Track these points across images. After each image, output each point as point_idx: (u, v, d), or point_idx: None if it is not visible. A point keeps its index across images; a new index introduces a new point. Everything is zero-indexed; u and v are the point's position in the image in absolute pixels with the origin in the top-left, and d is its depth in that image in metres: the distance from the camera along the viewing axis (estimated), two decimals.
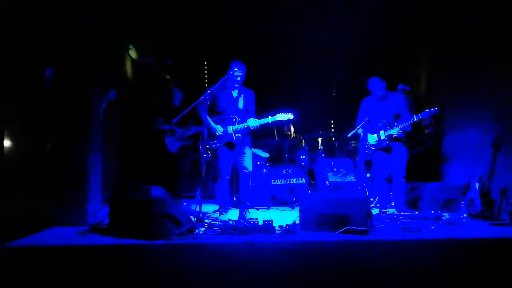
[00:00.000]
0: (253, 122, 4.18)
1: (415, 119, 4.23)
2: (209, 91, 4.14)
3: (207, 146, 4.37)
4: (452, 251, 3.03)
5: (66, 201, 3.84)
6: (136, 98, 5.74)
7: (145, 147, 5.45)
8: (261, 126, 4.22)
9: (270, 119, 4.13)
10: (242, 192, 4.37)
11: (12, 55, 3.55)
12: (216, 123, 4.28)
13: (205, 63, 7.11)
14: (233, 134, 4.24)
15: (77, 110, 3.96)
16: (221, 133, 4.24)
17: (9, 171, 3.64)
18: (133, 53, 5.91)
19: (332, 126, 7.22)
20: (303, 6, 5.96)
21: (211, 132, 4.31)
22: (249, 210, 4.35)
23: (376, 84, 4.51)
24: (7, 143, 3.56)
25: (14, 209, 3.54)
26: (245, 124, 4.20)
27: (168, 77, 6.45)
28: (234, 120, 4.26)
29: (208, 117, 4.32)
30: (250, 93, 4.41)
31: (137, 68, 5.99)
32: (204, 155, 4.35)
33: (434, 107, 4.20)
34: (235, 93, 4.36)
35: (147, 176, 4.94)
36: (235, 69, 4.19)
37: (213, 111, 4.36)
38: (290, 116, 4.11)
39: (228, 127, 4.25)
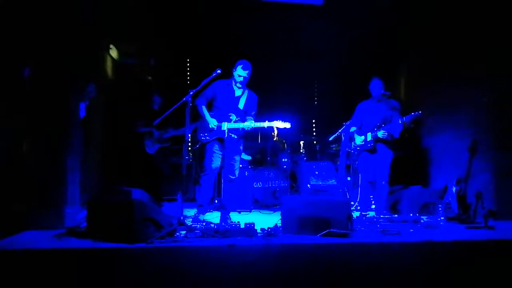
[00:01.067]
0: (248, 124, 4.07)
1: (400, 122, 4.31)
2: (191, 93, 4.05)
3: (196, 139, 4.25)
4: (430, 254, 3.09)
5: (42, 203, 3.73)
6: (116, 99, 5.65)
7: (125, 148, 5.38)
8: (256, 128, 4.11)
9: (267, 123, 4.03)
10: (224, 197, 4.29)
11: None
12: (211, 117, 4.17)
13: (188, 60, 7.04)
14: (226, 132, 4.12)
15: (54, 110, 3.86)
16: (214, 127, 4.12)
17: None
18: (114, 53, 5.82)
19: (314, 129, 7.28)
20: (284, 10, 6.00)
21: (204, 125, 4.19)
22: (230, 215, 4.28)
23: (377, 85, 4.54)
24: None
25: None
26: (240, 124, 4.10)
27: (150, 78, 6.39)
28: (230, 117, 4.15)
29: (205, 109, 4.21)
30: (253, 96, 4.29)
31: (118, 69, 5.90)
32: (186, 157, 4.28)
33: (416, 111, 4.28)
34: (238, 92, 4.23)
35: (128, 179, 4.86)
36: (240, 66, 4.11)
37: (211, 106, 4.25)
38: (287, 125, 4.03)
39: (223, 123, 4.13)
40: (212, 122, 4.13)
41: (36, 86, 3.84)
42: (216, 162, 4.19)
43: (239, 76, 4.13)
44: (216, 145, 4.18)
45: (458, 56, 4.83)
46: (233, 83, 4.21)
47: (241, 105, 4.23)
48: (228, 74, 4.23)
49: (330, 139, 4.84)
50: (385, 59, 6.28)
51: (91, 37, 4.53)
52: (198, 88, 4.05)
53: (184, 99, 3.95)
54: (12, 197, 3.67)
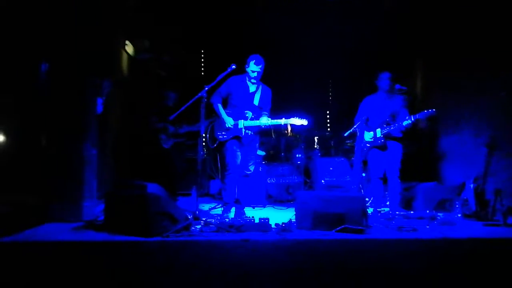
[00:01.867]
0: (265, 121, 4.07)
1: (412, 120, 4.23)
2: (206, 89, 4.04)
3: (214, 137, 4.26)
4: (447, 251, 3.06)
5: (61, 197, 3.82)
6: (132, 94, 5.72)
7: (140, 143, 5.44)
8: (273, 126, 4.10)
9: (284, 121, 4.02)
10: (240, 192, 4.29)
11: (5, 50, 3.52)
12: (228, 115, 4.18)
13: (202, 51, 7.04)
14: (243, 130, 4.13)
15: (71, 105, 3.93)
16: (231, 126, 4.14)
17: (3, 166, 3.61)
18: (129, 49, 5.88)
19: (328, 125, 7.24)
20: (300, 7, 5.96)
21: (221, 123, 4.21)
22: (245, 210, 4.31)
23: (385, 78, 4.50)
24: (1, 138, 3.52)
25: (8, 204, 3.52)
26: (257, 122, 4.10)
27: (164, 73, 6.43)
28: (247, 115, 4.15)
29: (221, 107, 4.23)
30: (267, 90, 4.28)
31: (133, 64, 5.96)
32: (201, 152, 4.30)
33: (430, 108, 4.21)
34: (252, 88, 4.22)
35: (143, 173, 4.92)
36: (252, 62, 4.09)
37: (226, 103, 4.26)
38: (304, 122, 4.02)
39: (239, 121, 4.14)
40: (229, 122, 4.14)
41: (54, 82, 3.90)
42: (238, 159, 4.20)
43: (253, 71, 4.12)
44: (235, 143, 4.19)
45: (475, 50, 4.73)
46: (247, 79, 4.20)
47: (256, 101, 4.21)
48: (242, 69, 4.22)
49: (345, 134, 4.79)
50: (401, 55, 6.19)
51: (106, 34, 4.58)
52: (213, 83, 4.05)
53: (199, 94, 3.96)
54: (31, 191, 3.76)
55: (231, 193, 4.25)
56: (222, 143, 4.26)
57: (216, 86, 4.15)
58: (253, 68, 4.11)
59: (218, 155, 4.34)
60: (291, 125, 4.10)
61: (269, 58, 4.26)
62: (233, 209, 4.32)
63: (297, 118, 4.02)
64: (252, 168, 4.30)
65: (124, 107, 5.57)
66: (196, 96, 4.00)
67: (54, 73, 3.91)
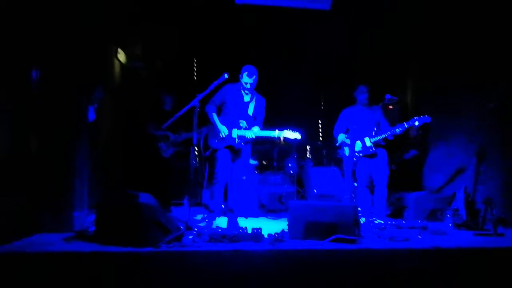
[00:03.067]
0: (256, 132, 4.10)
1: (406, 126, 4.30)
2: (199, 97, 4.05)
3: (207, 145, 4.26)
4: (439, 261, 3.07)
5: (50, 206, 3.76)
6: (125, 102, 5.69)
7: (136, 152, 5.39)
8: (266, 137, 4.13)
9: (277, 133, 4.03)
10: (231, 201, 4.29)
11: None
12: (221, 124, 4.18)
13: (194, 60, 7.06)
14: (236, 139, 4.15)
15: (62, 114, 3.89)
16: (225, 136, 4.15)
17: None
18: (121, 57, 5.87)
19: (320, 135, 7.27)
20: (290, 15, 6.03)
21: (215, 132, 4.21)
22: (237, 219, 4.29)
23: (363, 91, 4.59)
24: None
25: None
26: (250, 132, 4.10)
27: (156, 80, 6.42)
28: (241, 124, 4.16)
29: (215, 116, 4.23)
30: (261, 101, 4.31)
31: (125, 72, 5.94)
32: (193, 161, 4.30)
33: (424, 115, 4.26)
34: (246, 98, 4.24)
35: (137, 182, 4.88)
36: (245, 73, 4.12)
37: (220, 111, 4.27)
38: (297, 135, 4.03)
39: (233, 130, 4.15)
40: (223, 131, 4.14)
41: (44, 90, 3.87)
42: (227, 169, 4.21)
43: (246, 83, 4.14)
44: (227, 152, 4.20)
45: (465, 61, 4.81)
46: (242, 88, 4.22)
47: (250, 111, 4.24)
48: (235, 78, 4.24)
49: (337, 144, 4.83)
50: (393, 64, 6.27)
51: (98, 41, 4.57)
52: (206, 92, 4.07)
53: (192, 103, 3.97)
54: (20, 200, 3.70)
55: (218, 202, 4.26)
56: (214, 151, 4.25)
57: (209, 95, 4.14)
58: (246, 80, 4.14)
59: (207, 163, 4.32)
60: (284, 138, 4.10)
61: (260, 65, 4.29)
62: (220, 218, 4.31)
63: (290, 131, 4.04)
64: (244, 177, 4.29)
65: (118, 114, 5.54)
66: (189, 105, 4.01)
67: (45, 80, 3.87)
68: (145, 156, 5.27)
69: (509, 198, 4.18)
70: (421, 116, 4.24)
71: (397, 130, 4.34)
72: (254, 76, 4.15)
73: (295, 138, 4.03)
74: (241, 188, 4.33)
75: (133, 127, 5.50)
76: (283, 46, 6.64)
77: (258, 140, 4.32)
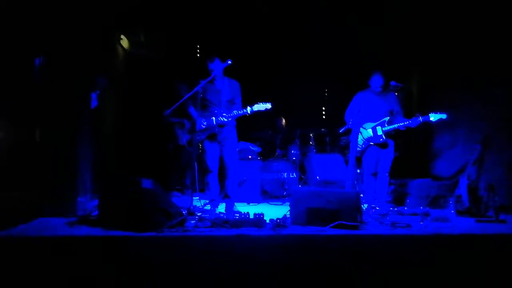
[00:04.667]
0: (234, 113, 4.21)
1: (421, 120, 4.26)
2: (202, 84, 4.13)
3: (192, 139, 4.39)
4: (441, 247, 3.08)
5: (54, 192, 3.80)
6: (129, 88, 5.68)
7: (140, 138, 5.40)
8: (254, 119, 4.26)
9: (248, 109, 4.14)
10: (227, 187, 4.37)
11: None
12: (203, 116, 4.30)
13: (198, 46, 7.02)
14: (216, 127, 4.26)
15: (65, 100, 3.91)
16: (204, 126, 4.27)
17: None
18: (125, 43, 5.84)
19: (324, 121, 7.24)
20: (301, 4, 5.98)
21: (194, 125, 4.35)
22: (235, 205, 4.36)
23: (378, 79, 4.53)
24: None
25: (1, 199, 3.49)
26: (227, 117, 4.21)
27: (161, 67, 6.39)
28: (217, 112, 4.27)
29: (193, 109, 4.33)
30: (234, 84, 4.41)
31: (129, 59, 5.92)
32: (195, 148, 4.33)
33: (442, 112, 4.21)
34: (218, 85, 4.36)
35: (142, 168, 4.91)
36: (208, 62, 4.25)
37: (202, 105, 4.35)
38: (268, 106, 4.12)
39: (211, 119, 4.26)
40: (201, 122, 4.27)
41: (47, 77, 3.88)
42: (216, 157, 4.32)
43: (212, 70, 4.23)
44: (211, 141, 4.30)
45: (472, 50, 4.74)
46: (214, 78, 4.30)
47: (225, 96, 4.33)
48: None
49: (341, 131, 4.81)
50: (399, 52, 6.19)
51: (100, 28, 4.55)
52: (209, 78, 4.11)
53: (195, 89, 4.00)
54: (25, 186, 3.73)
55: (215, 191, 4.35)
56: (199, 143, 4.37)
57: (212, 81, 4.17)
58: (211, 67, 4.23)
59: (195, 154, 4.39)
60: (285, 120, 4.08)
61: (264, 54, 4.28)
62: (222, 205, 4.37)
63: (261, 104, 4.11)
64: (232, 163, 4.36)
65: (121, 101, 5.53)
66: (193, 91, 4.04)
67: (47, 68, 3.88)
68: (160, 142, 5.28)
69: (511, 185, 4.16)
70: (437, 112, 4.20)
71: (411, 123, 4.32)
72: (215, 62, 4.23)
73: (266, 108, 4.11)
74: (234, 173, 4.41)
75: (148, 113, 5.48)
76: (288, 33, 6.57)
77: (261, 125, 4.31)
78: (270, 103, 4.12)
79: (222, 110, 4.28)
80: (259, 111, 4.13)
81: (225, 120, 4.22)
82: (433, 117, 4.21)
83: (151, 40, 6.20)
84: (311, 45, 6.58)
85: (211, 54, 4.30)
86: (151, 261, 2.95)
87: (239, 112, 4.18)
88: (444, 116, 4.20)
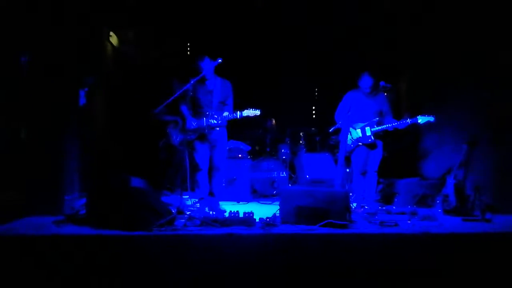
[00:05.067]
0: (225, 116, 4.25)
1: (409, 122, 4.32)
2: (192, 82, 4.11)
3: (183, 139, 4.43)
4: (428, 245, 3.12)
5: (40, 190, 3.74)
6: (118, 86, 5.62)
7: (136, 136, 5.34)
8: (243, 119, 4.24)
9: (238, 114, 4.18)
10: (213, 185, 4.42)
11: None
12: (194, 116, 4.34)
13: (188, 44, 6.98)
14: (206, 128, 4.29)
15: (52, 97, 3.85)
16: (194, 126, 4.30)
17: None
18: (114, 40, 5.78)
19: (314, 121, 7.26)
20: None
21: (185, 125, 4.36)
22: (219, 204, 4.39)
23: (366, 80, 4.57)
24: None
25: None
26: (218, 120, 4.26)
27: (151, 65, 6.34)
28: (208, 114, 4.30)
29: (185, 108, 4.35)
30: (226, 84, 4.41)
31: (118, 56, 5.85)
32: (185, 147, 4.34)
33: (430, 114, 4.28)
34: (210, 85, 4.37)
35: (132, 166, 4.86)
36: (198, 62, 4.25)
37: (193, 104, 4.40)
38: (257, 112, 4.16)
39: (202, 119, 4.30)
40: (191, 122, 4.30)
41: (33, 74, 3.81)
42: (206, 157, 4.35)
43: (202, 69, 4.23)
44: (202, 141, 4.33)
45: (459, 52, 4.81)
46: (205, 77, 4.30)
47: (216, 97, 4.34)
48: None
49: (330, 130, 4.84)
50: (387, 53, 6.25)
51: (88, 24, 4.49)
52: (199, 77, 4.10)
53: (185, 87, 3.99)
54: (10, 184, 3.67)
55: (204, 189, 4.39)
56: (190, 143, 4.37)
57: (202, 79, 4.16)
58: (201, 66, 4.23)
59: (187, 153, 4.39)
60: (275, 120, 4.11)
61: (255, 53, 4.28)
62: (206, 203, 4.39)
63: (251, 109, 4.15)
64: (221, 164, 4.42)
65: (110, 98, 5.47)
66: (183, 89, 4.02)
67: (34, 65, 3.81)
68: (150, 140, 5.23)
69: (497, 185, 4.23)
70: (425, 115, 4.26)
71: (399, 124, 4.39)
72: (205, 61, 4.24)
73: (255, 114, 4.16)
74: (221, 173, 4.46)
75: (137, 111, 5.42)
76: (278, 33, 6.57)
77: (251, 125, 4.33)
78: (259, 110, 4.15)
79: (213, 111, 4.29)
80: (248, 117, 4.17)
81: (215, 122, 4.26)
82: (421, 120, 4.29)
83: (141, 37, 6.15)
84: (302, 44, 6.61)
85: (201, 53, 4.30)
86: (140, 260, 2.93)
87: (229, 116, 4.23)
88: (431, 119, 4.27)
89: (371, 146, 4.56)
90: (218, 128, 4.34)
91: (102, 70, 5.32)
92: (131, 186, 3.35)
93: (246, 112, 4.15)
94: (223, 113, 4.27)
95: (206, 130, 4.29)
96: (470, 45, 4.60)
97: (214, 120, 4.26)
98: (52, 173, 3.79)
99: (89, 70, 4.64)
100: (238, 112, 4.17)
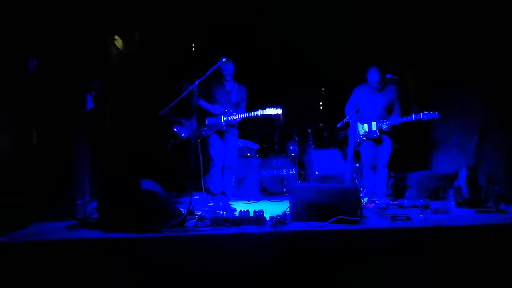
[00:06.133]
0: (244, 114, 4.32)
1: (413, 119, 4.29)
2: (197, 82, 4.11)
3: (197, 134, 4.45)
4: (441, 239, 3.08)
5: (52, 195, 3.76)
6: (125, 89, 5.65)
7: (145, 139, 5.38)
8: (252, 117, 4.31)
9: (260, 112, 4.22)
10: (224, 184, 4.48)
11: None
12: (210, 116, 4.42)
13: (193, 45, 7.00)
14: (223, 125, 4.37)
15: (60, 102, 3.87)
16: (212, 122, 4.39)
17: None
18: (119, 43, 5.80)
19: (322, 117, 7.21)
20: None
21: (203, 119, 4.43)
22: (229, 203, 4.43)
23: (374, 74, 4.53)
24: None
25: None
26: (237, 116, 4.32)
27: (156, 67, 6.35)
28: (226, 111, 4.38)
29: (203, 102, 4.43)
30: (242, 89, 4.58)
31: (123, 59, 5.88)
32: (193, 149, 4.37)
33: (434, 111, 4.23)
34: (228, 86, 4.51)
35: (141, 169, 4.88)
36: (221, 64, 4.24)
37: (207, 101, 4.46)
38: (278, 111, 4.18)
39: (220, 116, 4.38)
40: (218, 109, 4.36)
41: (42, 79, 3.84)
42: (221, 152, 4.41)
43: (224, 70, 4.37)
44: (217, 137, 4.42)
45: (466, 44, 4.74)
46: (223, 79, 4.42)
47: (233, 98, 4.46)
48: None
49: (338, 126, 4.81)
50: (395, 47, 6.18)
51: (94, 28, 4.51)
52: (204, 77, 4.10)
53: (191, 88, 4.01)
54: (22, 190, 3.71)
55: (218, 185, 4.43)
56: (204, 138, 4.44)
57: (207, 80, 4.15)
58: (223, 69, 4.36)
59: (200, 150, 4.41)
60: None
61: (259, 50, 4.29)
62: (218, 202, 4.43)
63: (272, 108, 4.17)
64: (233, 163, 4.49)
65: (117, 101, 5.50)
66: (188, 90, 4.04)
67: (41, 70, 3.84)
68: (158, 142, 5.27)
69: (511, 175, 4.16)
70: (430, 112, 4.24)
71: (404, 120, 4.38)
72: (229, 64, 4.37)
73: (277, 114, 4.19)
74: (233, 171, 4.55)
75: (145, 114, 5.46)
76: (283, 29, 6.54)
77: (259, 123, 4.34)
78: (280, 109, 4.17)
79: (232, 110, 4.38)
80: (269, 115, 4.18)
81: (235, 118, 4.32)
82: (424, 116, 4.25)
83: (146, 39, 6.17)
84: (309, 41, 6.56)
85: (224, 55, 4.30)
86: (151, 261, 2.95)
87: (249, 114, 4.27)
88: (435, 115, 4.24)
89: (378, 141, 4.54)
90: (233, 127, 4.42)
91: (109, 74, 5.35)
92: (142, 188, 3.36)
93: (268, 111, 4.17)
94: (240, 113, 4.34)
95: (224, 127, 4.35)
96: (476, 33, 4.52)
97: (233, 117, 4.31)
98: (63, 178, 3.81)
99: (95, 74, 4.67)
100: (260, 110, 4.20)
